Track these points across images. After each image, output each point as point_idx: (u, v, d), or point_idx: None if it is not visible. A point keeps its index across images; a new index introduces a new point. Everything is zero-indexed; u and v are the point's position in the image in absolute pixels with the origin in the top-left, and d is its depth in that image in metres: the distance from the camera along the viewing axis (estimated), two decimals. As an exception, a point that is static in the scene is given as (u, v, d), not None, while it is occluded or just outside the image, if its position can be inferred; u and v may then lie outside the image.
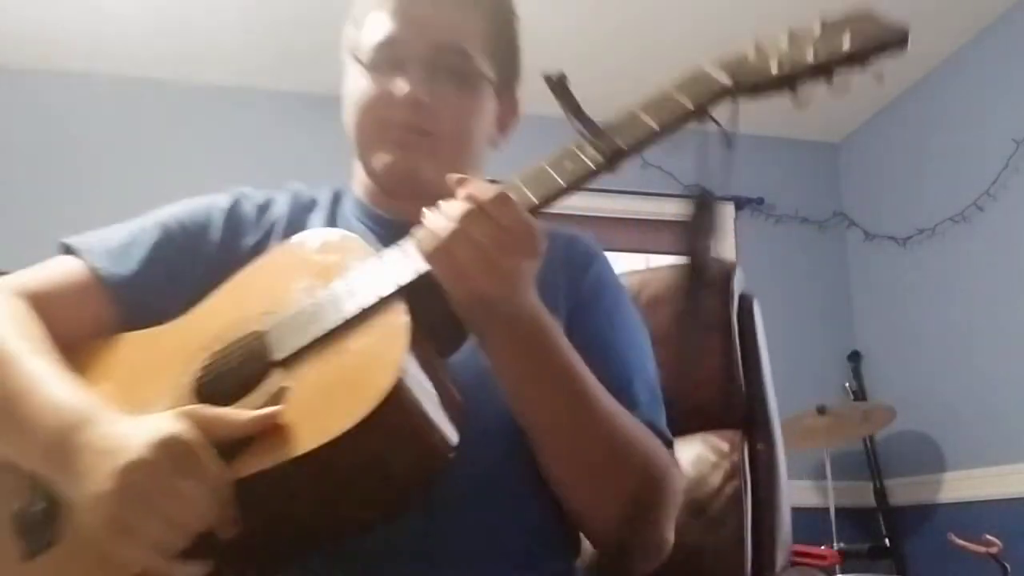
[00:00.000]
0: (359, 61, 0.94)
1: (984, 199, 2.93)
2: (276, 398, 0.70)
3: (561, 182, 0.79)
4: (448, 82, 0.92)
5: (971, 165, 2.99)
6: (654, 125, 0.78)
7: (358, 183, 1.02)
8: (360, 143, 0.96)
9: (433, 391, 0.70)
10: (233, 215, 0.97)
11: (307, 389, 0.70)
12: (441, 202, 0.73)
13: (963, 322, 2.98)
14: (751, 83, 0.77)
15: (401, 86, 0.90)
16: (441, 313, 0.73)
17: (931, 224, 3.14)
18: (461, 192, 0.73)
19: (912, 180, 3.32)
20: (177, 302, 0.88)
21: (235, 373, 0.76)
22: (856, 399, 3.16)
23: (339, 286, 0.75)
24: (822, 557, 2.46)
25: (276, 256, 0.88)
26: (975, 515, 2.74)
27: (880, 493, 3.14)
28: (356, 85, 0.95)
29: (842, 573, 2.56)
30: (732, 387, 1.18)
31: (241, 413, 0.69)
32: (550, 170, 0.81)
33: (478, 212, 0.71)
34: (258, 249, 0.93)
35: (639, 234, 3.56)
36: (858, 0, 0.84)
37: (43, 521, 0.71)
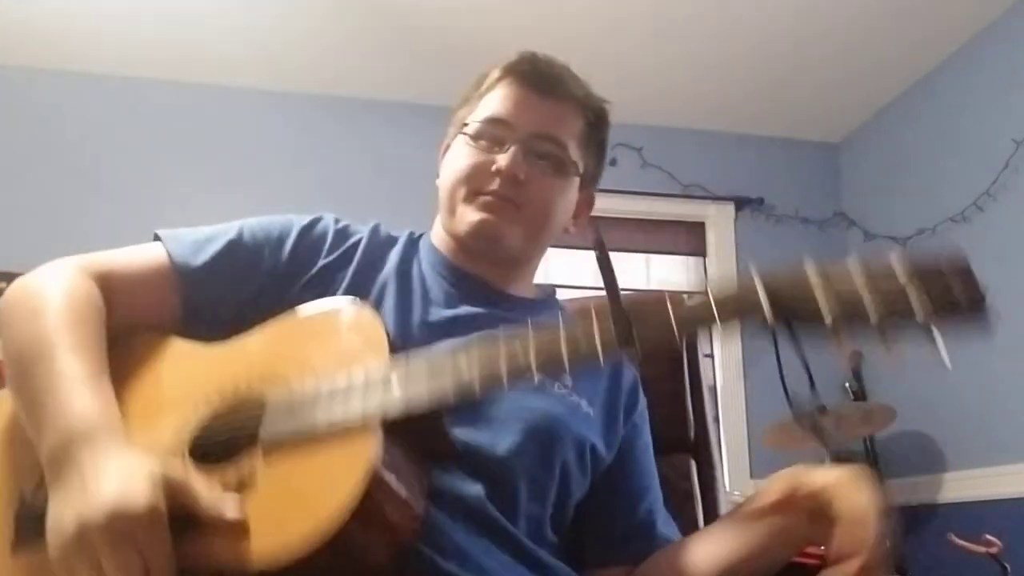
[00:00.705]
0: (465, 132, 1.05)
1: (984, 199, 2.93)
2: (245, 481, 0.73)
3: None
4: (542, 165, 1.03)
5: (971, 165, 2.99)
6: (674, 329, 0.70)
7: (436, 236, 1.10)
8: (451, 201, 1.04)
9: (387, 516, 0.72)
10: (307, 233, 1.02)
11: (272, 484, 0.73)
12: None
13: (963, 322, 2.97)
14: (792, 321, 0.68)
15: (503, 160, 1.00)
16: (431, 431, 0.77)
17: (931, 224, 3.14)
18: None
19: (912, 180, 3.32)
20: (236, 304, 0.94)
21: (229, 433, 0.79)
22: (856, 400, 3.15)
23: (340, 383, 0.77)
24: (822, 556, 2.46)
25: (317, 316, 0.89)
26: (975, 515, 2.74)
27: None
28: (459, 152, 1.05)
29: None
30: (686, 413, 1.38)
31: (205, 495, 0.71)
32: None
33: None
34: (330, 268, 0.99)
35: (639, 234, 3.56)
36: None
37: (40, 515, 0.73)
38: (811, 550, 2.61)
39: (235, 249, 0.97)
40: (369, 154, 3.31)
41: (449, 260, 1.07)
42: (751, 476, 3.23)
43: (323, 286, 0.97)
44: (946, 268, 0.66)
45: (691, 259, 3.62)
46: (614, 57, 3.19)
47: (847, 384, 3.32)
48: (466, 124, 1.06)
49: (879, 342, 0.65)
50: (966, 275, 0.68)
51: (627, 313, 0.70)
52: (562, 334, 0.72)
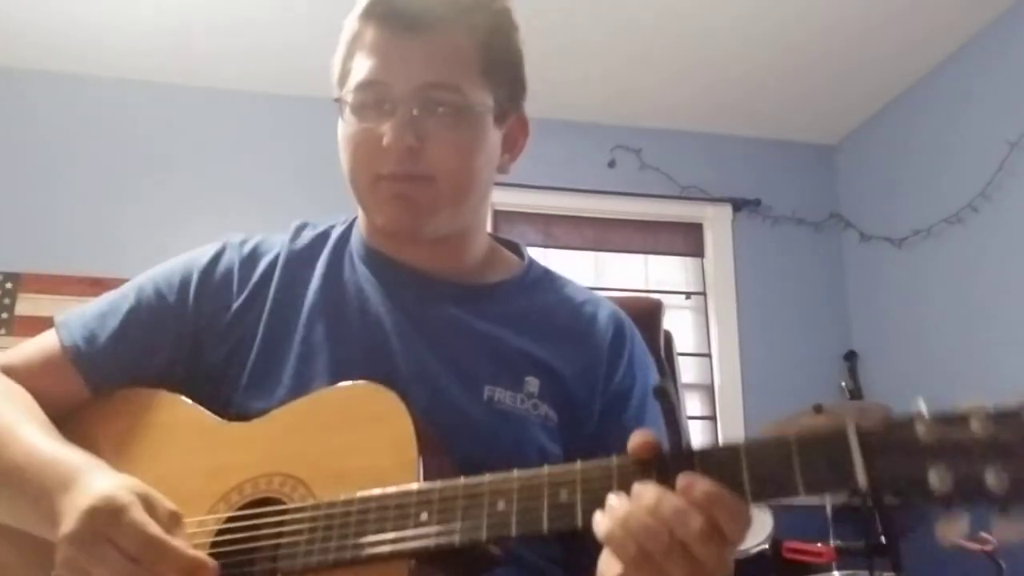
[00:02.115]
0: (344, 108, 0.88)
1: (979, 200, 2.95)
2: None
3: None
4: (440, 120, 0.85)
5: (965, 167, 3.02)
6: (745, 479, 0.59)
7: (363, 223, 0.96)
8: (357, 196, 0.90)
9: None
10: (209, 278, 0.92)
11: None
12: (669, 503, 0.59)
13: (958, 322, 3.01)
14: (892, 491, 0.55)
15: (388, 134, 0.83)
16: (469, 553, 0.70)
17: (926, 225, 3.17)
18: (680, 486, 0.60)
19: (907, 182, 3.35)
20: (154, 375, 0.89)
21: (245, 542, 0.75)
22: (852, 398, 3.18)
23: (369, 507, 0.70)
24: (818, 554, 2.49)
25: (337, 403, 0.80)
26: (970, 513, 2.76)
27: (876, 490, 3.16)
28: (344, 132, 0.89)
29: (838, 570, 2.58)
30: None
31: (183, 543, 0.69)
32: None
33: (717, 536, 0.59)
34: (243, 312, 0.90)
35: (637, 235, 3.59)
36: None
37: None
38: (807, 547, 2.63)
39: (134, 321, 0.90)
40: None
41: (383, 253, 0.93)
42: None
43: (240, 336, 0.89)
44: None
45: (689, 260, 3.64)
46: (613, 60, 3.22)
47: (843, 383, 3.35)
48: (339, 100, 0.89)
49: (995, 510, 0.52)
50: None
51: (693, 467, 0.60)
52: (615, 482, 0.63)
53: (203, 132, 3.29)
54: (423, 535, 0.67)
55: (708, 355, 3.50)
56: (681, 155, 3.61)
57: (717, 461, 0.61)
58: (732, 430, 3.36)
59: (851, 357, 3.45)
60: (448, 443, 0.78)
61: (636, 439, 0.64)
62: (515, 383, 0.86)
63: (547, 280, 1.00)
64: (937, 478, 0.52)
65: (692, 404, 3.45)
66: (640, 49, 3.16)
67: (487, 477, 0.67)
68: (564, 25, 3.01)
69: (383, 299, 0.91)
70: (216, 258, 0.94)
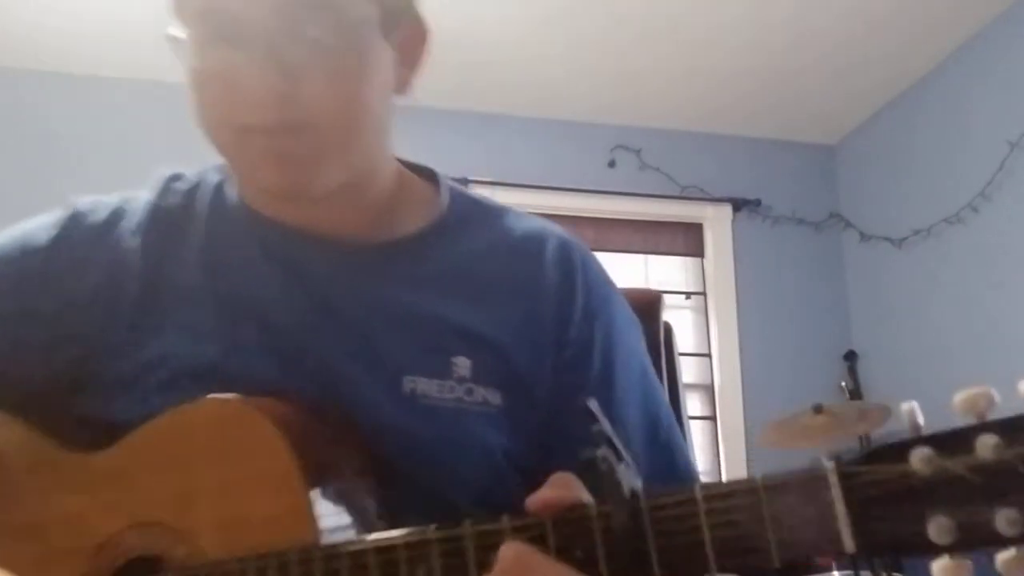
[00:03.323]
0: (183, 43, 0.68)
1: (978, 200, 2.96)
2: None
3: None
4: (311, 48, 0.65)
5: (965, 167, 3.02)
6: (711, 564, 0.48)
7: (237, 179, 0.78)
8: (221, 153, 0.71)
9: None
10: (56, 253, 0.74)
11: None
12: (511, 558, 0.49)
13: (958, 322, 3.01)
14: (884, 549, 0.45)
15: (248, 79, 0.64)
16: None
17: (926, 225, 3.17)
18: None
19: (907, 182, 3.35)
20: (23, 368, 0.72)
21: None
22: (852, 398, 3.18)
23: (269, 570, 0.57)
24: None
25: (204, 430, 0.65)
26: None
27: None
28: (189, 77, 0.68)
29: (838, 570, 2.59)
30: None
31: None
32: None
33: None
34: (102, 300, 0.73)
35: (637, 235, 3.59)
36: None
37: None
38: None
39: None
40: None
41: (265, 216, 0.75)
42: (748, 475, 3.25)
43: (95, 332, 0.72)
44: None
45: (689, 260, 3.64)
46: (612, 59, 3.22)
47: (843, 383, 3.35)
48: (173, 38, 0.68)
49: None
50: None
51: (644, 534, 0.48)
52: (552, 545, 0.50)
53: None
54: None
55: (708, 355, 3.50)
56: (681, 155, 3.61)
57: (672, 527, 0.48)
58: (732, 430, 3.36)
59: (851, 357, 3.46)
60: (359, 456, 0.66)
61: (535, 496, 0.51)
62: (441, 367, 0.70)
63: (476, 217, 0.81)
64: (937, 529, 0.42)
65: (692, 404, 3.45)
66: (640, 49, 3.16)
67: (400, 537, 0.54)
68: (564, 25, 3.01)
69: (273, 276, 0.73)
70: (63, 236, 0.75)
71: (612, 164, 3.56)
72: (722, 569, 0.47)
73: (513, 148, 3.50)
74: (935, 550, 0.43)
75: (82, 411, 0.71)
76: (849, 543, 0.44)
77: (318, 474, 0.61)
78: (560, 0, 2.89)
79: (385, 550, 0.54)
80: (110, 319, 0.72)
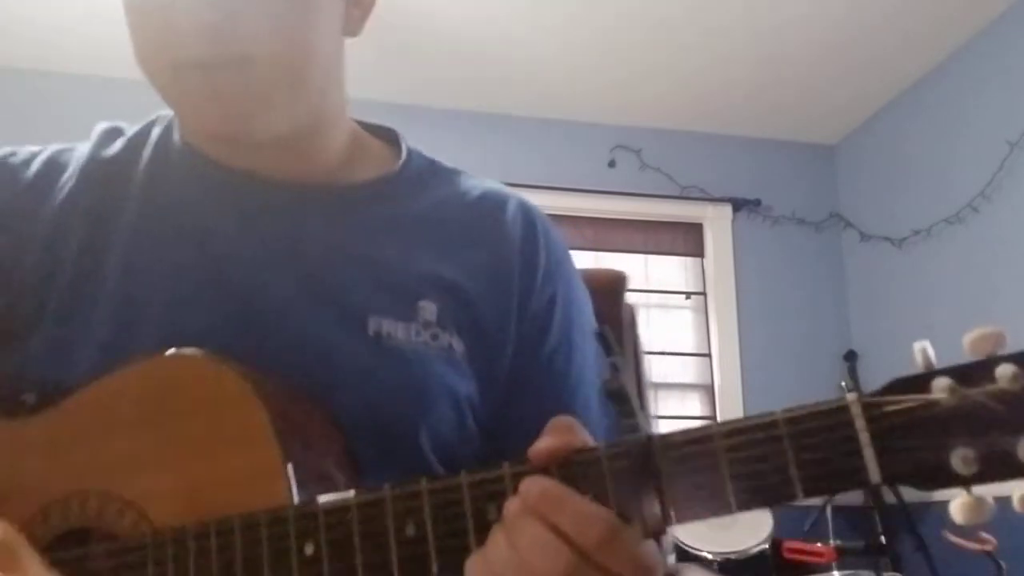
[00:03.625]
0: None
1: (979, 200, 2.96)
2: None
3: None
4: None
5: (965, 167, 3.02)
6: (732, 504, 0.45)
7: (183, 127, 0.74)
8: (158, 91, 0.66)
9: None
10: None
11: None
12: (530, 536, 0.46)
13: (958, 322, 3.01)
14: (909, 480, 0.45)
15: (180, 12, 0.61)
16: None
17: (926, 225, 3.17)
18: (560, 517, 0.46)
19: (907, 182, 3.35)
20: None
21: None
22: (852, 398, 3.19)
23: (232, 542, 0.52)
24: (818, 554, 2.49)
25: (161, 385, 0.59)
26: (970, 513, 2.76)
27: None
28: (127, 16, 0.66)
29: (838, 570, 2.59)
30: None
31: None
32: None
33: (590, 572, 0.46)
34: (32, 250, 0.67)
35: (637, 235, 3.59)
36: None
37: None
38: (807, 547, 2.63)
39: None
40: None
41: (213, 159, 0.71)
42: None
43: (28, 282, 0.67)
44: None
45: (689, 260, 3.64)
46: (612, 60, 3.22)
47: (843, 383, 3.35)
48: None
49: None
50: None
51: (659, 473, 0.47)
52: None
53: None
54: (313, 573, 0.50)
55: (708, 355, 3.50)
56: (681, 155, 3.61)
57: (688, 466, 0.46)
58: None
59: (851, 357, 3.46)
60: (326, 406, 0.61)
61: (541, 442, 0.49)
62: (406, 311, 0.67)
63: (434, 172, 0.79)
64: (962, 461, 0.42)
65: (692, 404, 3.45)
66: (641, 50, 3.16)
67: (386, 490, 0.50)
68: (564, 26, 3.01)
69: (226, 220, 0.69)
70: None
71: (612, 164, 3.56)
72: (743, 505, 0.45)
73: (513, 148, 3.50)
74: (958, 481, 0.43)
75: (8, 366, 0.65)
76: (875, 473, 0.43)
77: (289, 434, 0.55)
78: (560, 1, 2.89)
79: (370, 504, 0.50)
80: (47, 275, 0.67)
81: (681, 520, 0.46)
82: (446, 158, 0.85)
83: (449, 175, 0.80)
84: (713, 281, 3.55)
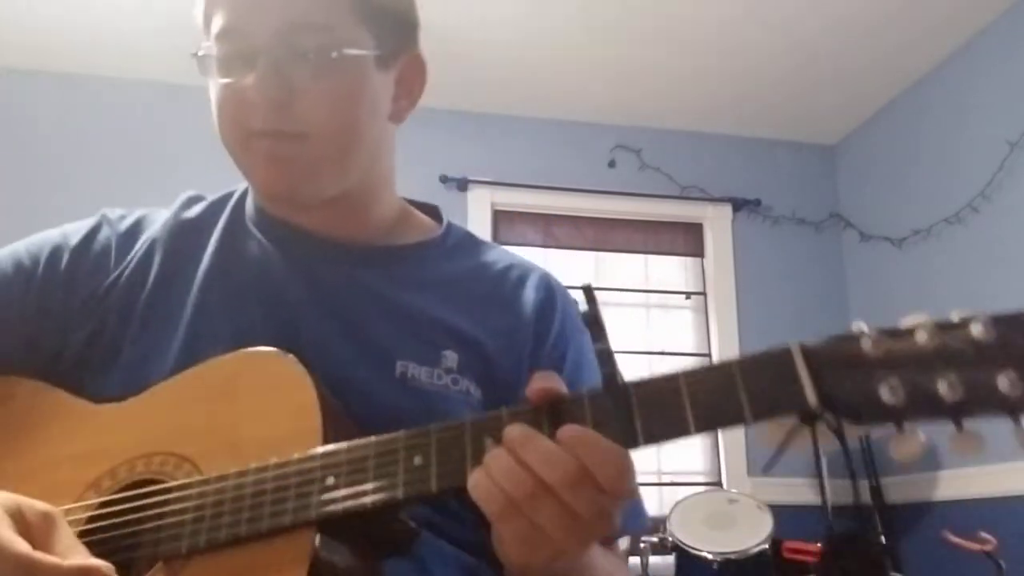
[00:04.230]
0: (206, 68, 0.79)
1: (978, 200, 2.96)
2: None
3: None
4: (310, 68, 0.75)
5: (965, 167, 3.02)
6: (691, 425, 0.55)
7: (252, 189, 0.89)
8: (234, 159, 0.81)
9: None
10: (84, 252, 0.82)
11: None
12: (530, 444, 0.56)
13: (958, 322, 3.00)
14: (843, 407, 0.52)
15: (254, 89, 0.74)
16: (380, 521, 0.63)
17: (926, 225, 3.17)
18: (564, 436, 0.56)
19: (907, 182, 3.35)
20: (11, 348, 0.78)
21: (122, 531, 0.66)
22: (852, 398, 3.19)
23: (266, 481, 0.63)
24: (818, 555, 2.49)
25: (229, 372, 0.72)
26: (970, 513, 2.77)
27: (876, 491, 3.17)
28: (213, 96, 0.79)
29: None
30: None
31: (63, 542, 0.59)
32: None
33: (588, 481, 0.55)
34: (123, 288, 0.80)
35: (637, 235, 3.59)
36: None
37: None
38: (807, 547, 2.63)
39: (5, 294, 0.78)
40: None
41: (277, 217, 0.85)
42: (748, 474, 3.26)
43: (120, 313, 0.79)
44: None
45: (689, 260, 3.64)
46: (612, 60, 3.22)
47: (843, 383, 3.35)
48: (198, 55, 0.78)
49: (951, 424, 0.51)
50: None
51: (631, 406, 0.57)
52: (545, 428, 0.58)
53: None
54: (330, 500, 0.60)
55: (708, 355, 3.50)
56: (681, 155, 3.61)
57: (655, 398, 0.56)
58: (732, 431, 3.36)
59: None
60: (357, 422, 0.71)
61: (533, 384, 0.59)
62: (431, 357, 0.78)
63: (469, 244, 0.92)
64: (889, 391, 0.50)
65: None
66: (640, 49, 3.16)
67: (401, 433, 0.61)
68: (564, 25, 3.01)
69: (282, 266, 0.82)
70: (92, 233, 0.84)
71: (612, 164, 3.56)
72: (700, 427, 0.55)
73: (513, 148, 3.50)
74: (888, 411, 0.50)
75: (100, 382, 0.77)
76: (811, 395, 0.52)
77: (330, 414, 0.66)
78: (560, 1, 2.89)
79: (386, 442, 0.61)
80: (128, 310, 0.80)
81: (647, 441, 0.56)
82: (446, 158, 0.93)
83: (482, 247, 0.92)
84: (713, 281, 3.55)
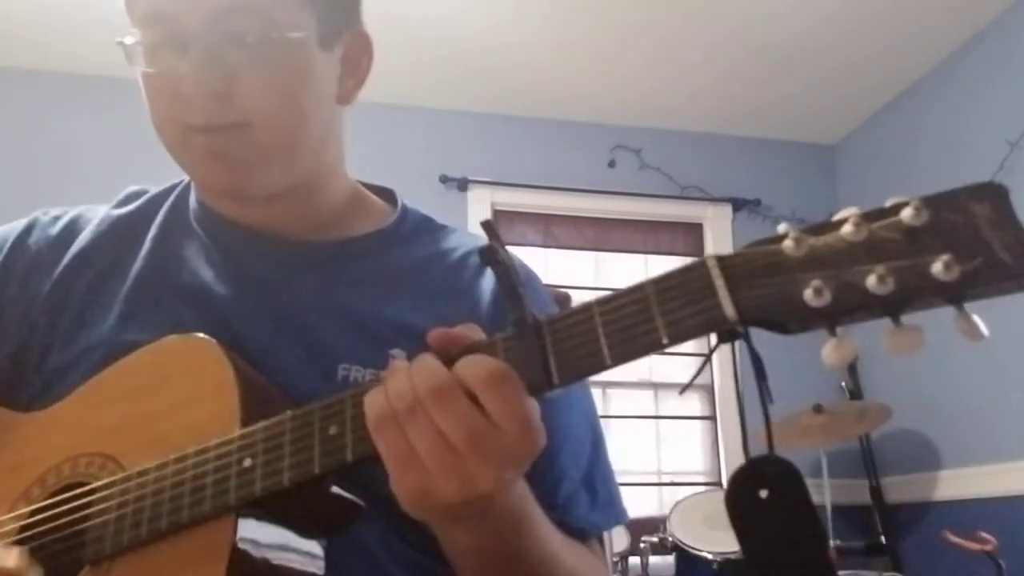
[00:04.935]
0: (132, 59, 0.72)
1: (978, 200, 2.96)
2: None
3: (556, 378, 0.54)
4: (248, 54, 0.69)
5: (965, 167, 3.02)
6: (606, 358, 0.51)
7: (193, 184, 0.84)
8: (171, 154, 0.75)
9: None
10: (19, 253, 0.80)
11: None
12: (419, 360, 0.54)
13: (958, 322, 3.00)
14: (766, 316, 0.48)
15: (189, 81, 0.68)
16: (312, 498, 0.61)
17: (926, 225, 3.17)
18: (450, 364, 0.54)
19: (907, 182, 3.35)
20: None
21: (51, 537, 0.65)
22: (852, 398, 3.18)
23: (184, 471, 0.61)
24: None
25: (144, 364, 0.69)
26: (970, 512, 2.77)
27: (876, 491, 3.17)
28: (144, 88, 0.73)
29: (838, 570, 2.59)
30: None
31: None
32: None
33: (459, 394, 0.52)
34: (54, 291, 0.77)
35: (637, 235, 3.59)
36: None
37: None
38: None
39: None
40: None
41: (218, 213, 0.80)
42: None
43: (50, 317, 0.76)
44: (979, 214, 0.45)
45: (689, 260, 3.63)
46: (612, 60, 3.22)
47: (843, 383, 3.35)
48: (125, 44, 0.72)
49: (888, 321, 0.47)
50: (1007, 220, 0.44)
51: (544, 345, 0.53)
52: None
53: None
54: (247, 482, 0.58)
55: (708, 356, 3.49)
56: (681, 155, 3.61)
57: (569, 333, 0.52)
58: (732, 430, 3.36)
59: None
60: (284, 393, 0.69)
61: (437, 330, 0.56)
62: (377, 358, 0.72)
63: (425, 229, 0.86)
64: (813, 293, 0.45)
65: (692, 404, 3.46)
66: (640, 49, 3.16)
67: (317, 403, 0.58)
68: (564, 25, 3.01)
69: (220, 266, 0.77)
70: (26, 232, 0.81)
71: (612, 164, 3.56)
72: (616, 358, 0.51)
73: (513, 148, 3.50)
74: (814, 315, 0.46)
75: (24, 400, 0.75)
76: (729, 308, 0.47)
77: (252, 388, 0.63)
78: (560, 1, 2.89)
79: (302, 415, 0.58)
80: (56, 314, 0.76)
81: (562, 381, 0.52)
82: (446, 158, 0.89)
83: (440, 233, 0.87)
84: (713, 281, 3.54)
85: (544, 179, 3.44)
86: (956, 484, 2.93)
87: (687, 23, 3.01)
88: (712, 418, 3.42)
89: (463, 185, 3.37)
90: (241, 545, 0.58)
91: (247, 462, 0.58)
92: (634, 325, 0.51)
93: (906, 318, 0.47)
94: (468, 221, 3.30)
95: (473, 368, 0.52)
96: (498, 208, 3.44)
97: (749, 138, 3.70)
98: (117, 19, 0.73)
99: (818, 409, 2.74)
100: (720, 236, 3.59)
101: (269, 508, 0.59)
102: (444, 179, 3.35)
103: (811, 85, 3.37)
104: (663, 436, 3.42)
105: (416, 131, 3.34)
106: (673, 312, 0.50)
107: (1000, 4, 2.91)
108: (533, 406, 0.53)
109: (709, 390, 3.46)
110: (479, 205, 3.39)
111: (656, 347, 0.50)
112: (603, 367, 0.51)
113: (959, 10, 2.93)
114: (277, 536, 0.61)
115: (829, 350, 0.48)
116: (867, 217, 0.46)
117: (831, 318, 0.47)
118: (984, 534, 2.28)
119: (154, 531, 0.60)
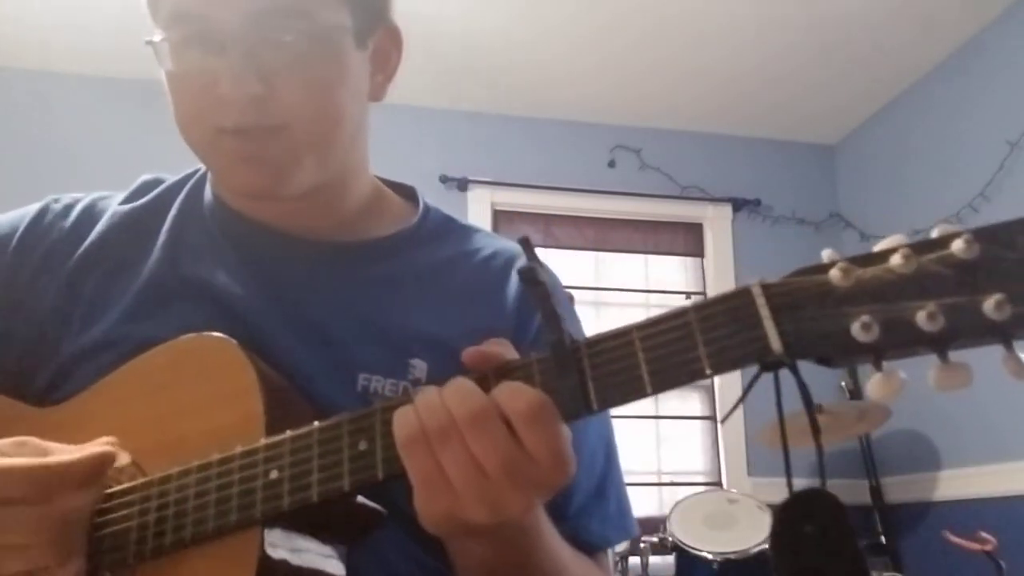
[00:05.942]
0: (164, 46, 0.69)
1: (978, 200, 2.96)
2: None
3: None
4: (287, 54, 0.67)
5: (965, 167, 3.02)
6: (647, 386, 0.51)
7: (212, 176, 0.81)
8: (197, 155, 0.73)
9: None
10: (30, 236, 0.77)
11: None
12: (454, 383, 0.53)
13: (958, 322, 3.00)
14: (813, 350, 0.47)
15: (225, 83, 0.66)
16: (337, 511, 0.60)
17: (926, 225, 3.11)
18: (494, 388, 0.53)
19: (907, 182, 3.35)
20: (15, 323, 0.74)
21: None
22: (852, 398, 3.19)
23: (208, 482, 0.60)
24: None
25: (167, 363, 0.68)
26: (970, 512, 2.77)
27: (876, 491, 3.17)
28: (167, 81, 0.70)
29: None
30: None
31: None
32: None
33: (497, 421, 0.51)
34: (68, 285, 0.75)
35: (637, 235, 3.59)
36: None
37: None
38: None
39: None
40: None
41: (236, 211, 0.78)
42: (748, 474, 3.26)
43: (63, 311, 0.74)
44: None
45: (689, 260, 3.64)
46: (612, 60, 3.22)
47: (843, 383, 3.35)
48: (151, 42, 0.69)
49: (935, 355, 0.45)
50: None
51: (582, 370, 0.52)
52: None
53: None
54: (274, 495, 0.57)
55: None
56: (681, 155, 3.61)
57: (608, 358, 0.51)
58: (732, 430, 3.36)
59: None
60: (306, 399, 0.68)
61: (472, 348, 0.55)
62: (397, 368, 0.71)
63: (448, 229, 0.84)
64: (861, 328, 0.44)
65: (692, 404, 3.46)
66: (640, 49, 3.16)
67: (346, 415, 0.57)
68: (564, 26, 3.01)
69: (237, 268, 0.75)
70: (39, 218, 0.79)
71: (612, 164, 3.56)
72: (658, 387, 0.50)
73: (513, 148, 3.50)
74: (862, 349, 0.44)
75: (36, 392, 0.73)
76: (775, 341, 0.46)
77: (275, 394, 0.62)
78: (560, 1, 2.89)
79: (329, 428, 0.57)
80: (70, 305, 0.74)
81: (600, 408, 0.51)
82: (446, 158, 0.86)
83: (463, 232, 0.85)
84: (713, 281, 3.55)
85: (544, 179, 3.44)
86: (956, 484, 2.93)
87: (687, 23, 3.01)
88: (712, 418, 3.42)
89: (463, 185, 3.37)
90: (268, 557, 0.57)
91: (274, 474, 0.57)
92: (676, 353, 0.50)
93: (954, 354, 0.46)
94: (468, 221, 3.30)
95: (512, 399, 0.51)
96: (498, 208, 3.44)
97: (749, 138, 3.70)
98: (119, 20, 0.73)
99: (818, 409, 2.74)
100: (720, 236, 3.59)
101: (295, 519, 0.59)
102: (444, 179, 3.35)
103: (811, 85, 3.37)
104: (663, 436, 3.42)
105: (416, 131, 3.33)
106: (716, 341, 0.49)
107: (1000, 4, 2.91)
108: (568, 437, 0.52)
109: (709, 390, 3.46)
110: (479, 205, 3.39)
111: (699, 376, 0.49)
112: (643, 394, 0.50)
113: (959, 10, 2.93)
114: (301, 545, 0.60)
115: (877, 385, 0.46)
116: (916, 249, 0.45)
117: (878, 353, 0.45)
118: (984, 534, 2.28)
119: (178, 541, 0.60)
